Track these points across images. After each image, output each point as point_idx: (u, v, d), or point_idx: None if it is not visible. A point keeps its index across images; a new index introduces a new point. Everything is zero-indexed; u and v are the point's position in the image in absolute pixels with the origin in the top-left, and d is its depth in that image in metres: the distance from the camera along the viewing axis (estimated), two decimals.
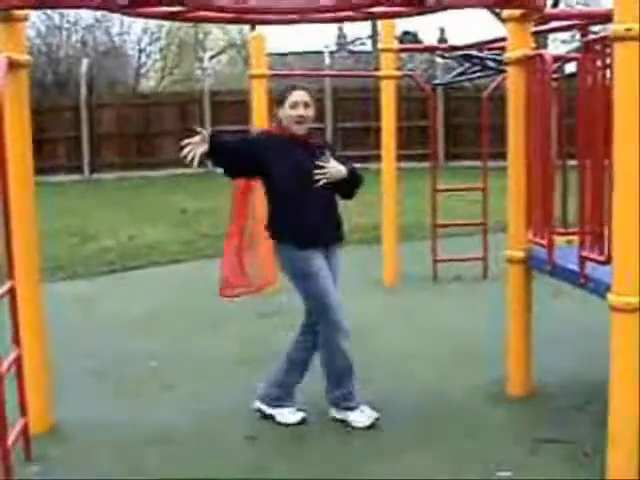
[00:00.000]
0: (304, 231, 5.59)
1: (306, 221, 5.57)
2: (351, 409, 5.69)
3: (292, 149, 5.58)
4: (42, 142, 22.55)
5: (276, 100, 5.71)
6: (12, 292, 5.01)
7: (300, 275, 5.62)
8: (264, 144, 5.64)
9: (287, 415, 5.76)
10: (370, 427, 5.59)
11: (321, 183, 5.50)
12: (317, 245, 5.62)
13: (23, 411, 5.14)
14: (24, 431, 5.12)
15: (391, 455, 5.21)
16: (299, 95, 5.57)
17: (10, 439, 4.69)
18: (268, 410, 5.82)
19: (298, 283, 5.66)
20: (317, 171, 5.49)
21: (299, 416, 5.75)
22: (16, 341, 5.07)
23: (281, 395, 5.81)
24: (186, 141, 5.27)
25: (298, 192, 5.56)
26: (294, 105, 5.55)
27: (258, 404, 5.86)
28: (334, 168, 5.54)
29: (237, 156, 5.56)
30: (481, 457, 5.12)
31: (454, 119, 25.38)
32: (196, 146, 5.29)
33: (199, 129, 5.30)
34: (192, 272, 11.38)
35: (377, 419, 5.64)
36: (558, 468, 4.92)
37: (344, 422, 5.67)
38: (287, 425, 5.68)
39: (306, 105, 5.56)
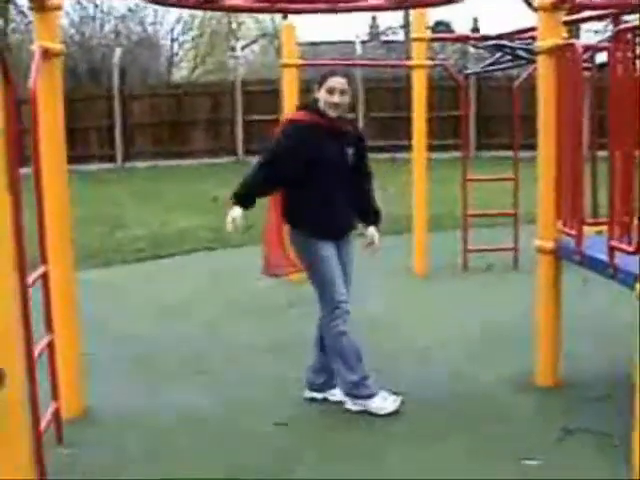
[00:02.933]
0: (317, 220, 5.65)
1: (321, 210, 5.64)
2: (370, 397, 5.68)
3: (318, 136, 5.60)
4: (75, 131, 22.70)
5: (317, 82, 5.69)
6: (45, 277, 5.07)
7: (309, 262, 5.70)
8: (292, 143, 5.61)
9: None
10: (396, 413, 5.61)
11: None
12: (329, 236, 5.70)
13: (55, 395, 5.20)
14: (56, 415, 5.18)
15: (420, 442, 5.24)
16: (337, 82, 5.58)
17: (42, 423, 4.76)
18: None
19: (307, 269, 5.74)
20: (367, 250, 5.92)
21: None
22: (48, 326, 5.14)
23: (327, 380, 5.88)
24: (228, 227, 5.45)
25: (316, 179, 5.62)
26: (331, 91, 5.57)
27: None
28: (377, 243, 5.95)
29: (276, 182, 5.66)
30: (509, 445, 5.13)
31: (486, 109, 25.27)
32: (235, 221, 5.44)
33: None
34: (223, 260, 11.44)
35: (402, 402, 5.66)
36: (585, 457, 4.93)
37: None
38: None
39: (342, 92, 5.58)
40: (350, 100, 5.67)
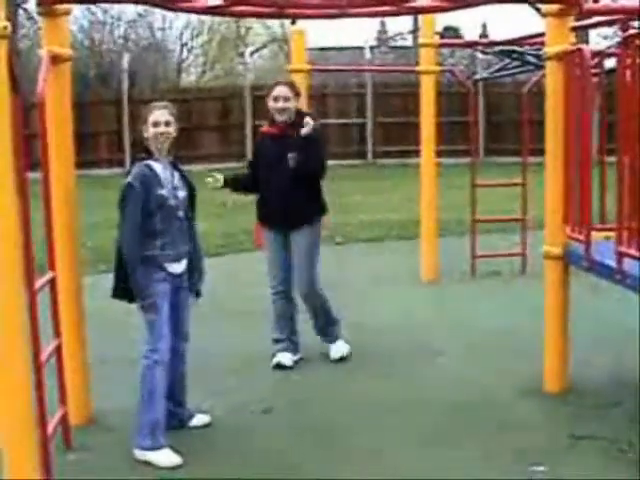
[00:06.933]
0: (263, 212, 6.92)
1: (266, 204, 6.85)
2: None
3: (268, 142, 6.74)
4: (84, 136, 22.71)
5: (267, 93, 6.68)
6: (53, 283, 5.08)
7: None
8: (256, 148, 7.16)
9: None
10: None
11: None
12: (272, 226, 6.86)
13: (62, 400, 5.21)
14: (63, 420, 5.19)
15: (427, 445, 5.24)
16: (279, 90, 6.58)
17: (49, 428, 4.76)
18: None
19: None
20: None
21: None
22: (56, 331, 5.15)
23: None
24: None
25: (263, 179, 6.80)
26: (275, 99, 6.58)
27: None
28: None
29: None
30: (516, 451, 5.13)
31: (494, 115, 25.24)
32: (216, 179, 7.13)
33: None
34: (232, 265, 11.42)
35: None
36: (593, 463, 4.92)
37: None
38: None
39: (286, 99, 6.56)
40: (294, 104, 6.61)
